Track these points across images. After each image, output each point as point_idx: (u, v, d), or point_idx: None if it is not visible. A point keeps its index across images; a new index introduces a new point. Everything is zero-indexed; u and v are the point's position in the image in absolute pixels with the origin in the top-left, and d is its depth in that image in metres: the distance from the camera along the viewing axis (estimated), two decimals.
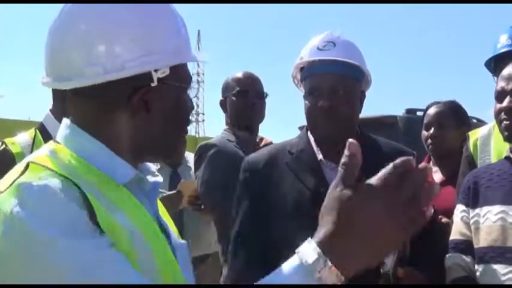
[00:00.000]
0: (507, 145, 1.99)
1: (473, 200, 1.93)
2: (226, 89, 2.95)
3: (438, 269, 1.93)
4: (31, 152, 2.57)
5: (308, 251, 0.88)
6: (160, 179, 1.21)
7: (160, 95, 1.08)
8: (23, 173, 0.99)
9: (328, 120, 1.88)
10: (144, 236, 1.02)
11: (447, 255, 1.95)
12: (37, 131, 2.74)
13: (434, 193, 0.85)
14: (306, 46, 1.98)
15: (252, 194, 1.96)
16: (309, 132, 2.01)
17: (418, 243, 1.88)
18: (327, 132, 1.92)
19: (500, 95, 1.92)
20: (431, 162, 2.90)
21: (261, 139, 2.95)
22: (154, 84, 1.06)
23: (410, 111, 5.31)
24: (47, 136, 2.60)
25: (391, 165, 0.88)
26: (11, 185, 0.97)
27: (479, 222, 1.88)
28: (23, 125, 4.20)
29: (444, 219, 2.42)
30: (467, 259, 1.90)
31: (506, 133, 1.91)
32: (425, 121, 2.88)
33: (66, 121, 1.11)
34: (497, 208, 1.85)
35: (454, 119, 2.83)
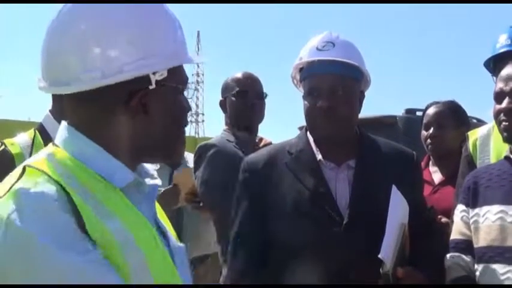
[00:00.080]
0: (506, 145, 1.99)
1: (473, 200, 1.93)
2: (225, 89, 2.95)
3: (438, 269, 1.93)
4: (30, 152, 2.57)
5: None
6: (158, 181, 1.21)
7: (158, 97, 1.08)
8: (20, 177, 0.99)
9: (328, 121, 1.89)
10: (137, 242, 1.02)
11: (447, 255, 1.95)
12: (36, 131, 2.73)
13: None
14: (305, 46, 1.99)
15: (252, 194, 1.96)
16: (308, 133, 2.01)
17: (418, 243, 1.89)
18: (326, 132, 1.92)
19: (498, 96, 1.92)
20: (430, 162, 2.90)
21: (261, 139, 2.95)
22: (152, 87, 1.06)
23: (410, 111, 5.31)
24: (46, 137, 2.60)
25: None
26: (9, 189, 0.98)
27: (479, 222, 1.88)
28: (23, 126, 4.20)
29: (443, 219, 2.43)
30: (467, 259, 1.90)
31: (505, 134, 1.91)
32: (424, 121, 2.88)
33: (64, 124, 1.11)
34: (496, 208, 1.85)
35: (454, 119, 2.83)
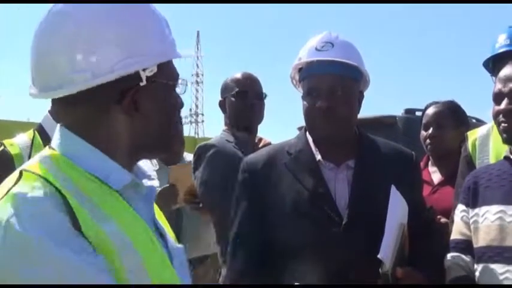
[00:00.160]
0: (506, 145, 1.99)
1: (473, 200, 1.93)
2: (225, 89, 2.95)
3: (437, 269, 1.93)
4: (30, 153, 2.58)
5: None
6: (156, 183, 1.21)
7: (150, 94, 1.09)
8: (17, 181, 1.00)
9: (327, 121, 1.89)
10: (134, 244, 1.02)
11: (447, 255, 1.95)
12: (36, 132, 2.74)
13: None
14: (304, 47, 1.99)
15: (251, 195, 1.96)
16: (307, 133, 2.01)
17: (417, 243, 1.89)
18: (325, 132, 1.92)
19: (497, 97, 1.92)
20: (429, 162, 2.90)
21: (260, 140, 2.95)
22: (143, 83, 1.06)
23: (410, 111, 5.30)
24: (45, 137, 2.60)
25: None
26: (6, 193, 0.98)
27: (478, 222, 1.88)
28: (22, 126, 4.20)
29: (443, 219, 2.42)
30: (467, 259, 1.90)
31: (504, 135, 1.91)
32: (423, 121, 2.88)
33: (58, 126, 1.12)
34: (495, 208, 1.85)
35: (453, 119, 2.83)
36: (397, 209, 1.80)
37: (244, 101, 2.85)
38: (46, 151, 1.09)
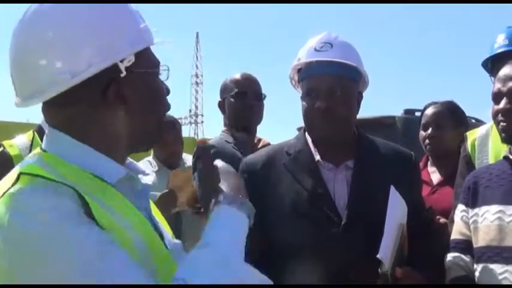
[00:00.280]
0: (505, 145, 1.99)
1: (473, 200, 1.94)
2: (224, 90, 2.95)
3: (436, 269, 1.93)
4: (29, 154, 2.58)
5: None
6: (151, 178, 1.22)
7: (132, 84, 1.09)
8: (14, 184, 0.99)
9: (326, 121, 1.89)
10: (141, 237, 1.03)
11: (447, 255, 1.96)
12: (35, 133, 2.74)
13: None
14: (303, 47, 1.99)
15: (250, 195, 1.95)
16: (306, 133, 2.02)
17: (417, 243, 1.89)
18: (324, 133, 1.92)
19: (496, 97, 1.92)
20: (429, 163, 2.90)
21: (259, 140, 2.95)
22: (123, 74, 1.07)
23: (409, 112, 5.30)
24: None
25: None
26: (2, 195, 0.98)
27: (478, 222, 1.88)
28: (22, 127, 4.20)
29: (442, 220, 2.42)
30: (467, 259, 1.91)
31: (503, 135, 1.91)
32: (423, 121, 2.88)
33: (48, 129, 1.12)
34: (495, 208, 1.85)
35: (452, 119, 2.83)
36: (396, 209, 1.80)
37: (243, 102, 2.85)
38: (39, 153, 1.10)
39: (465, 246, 1.92)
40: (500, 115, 1.90)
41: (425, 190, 2.57)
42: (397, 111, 5.44)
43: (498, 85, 1.92)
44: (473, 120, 4.90)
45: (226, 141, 2.84)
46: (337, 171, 1.94)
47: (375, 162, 1.96)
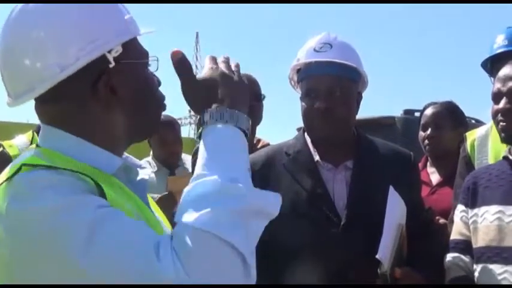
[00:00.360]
0: (505, 145, 1.99)
1: (472, 200, 1.94)
2: None
3: (436, 270, 1.93)
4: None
5: None
6: (148, 171, 1.22)
7: (123, 75, 1.09)
8: (14, 174, 0.99)
9: (325, 122, 1.89)
10: (145, 221, 1.03)
11: (447, 255, 1.96)
12: (35, 133, 2.74)
13: None
14: (302, 48, 1.99)
15: None
16: (305, 134, 2.02)
17: (416, 244, 1.89)
18: (323, 133, 1.92)
19: (496, 96, 1.93)
20: (428, 163, 2.90)
21: (258, 141, 2.95)
22: (112, 64, 1.07)
23: (409, 112, 5.29)
24: None
25: None
26: (1, 183, 0.99)
27: (477, 222, 1.89)
28: (22, 128, 4.21)
29: (441, 220, 2.42)
30: (466, 259, 1.91)
31: (503, 134, 1.91)
32: (422, 122, 2.88)
33: (42, 126, 1.12)
34: (494, 208, 1.85)
35: (451, 119, 2.83)
36: (396, 210, 1.80)
37: None
38: (35, 149, 1.10)
39: (465, 246, 1.92)
40: (499, 115, 1.90)
41: (424, 190, 2.57)
42: (397, 112, 5.44)
43: (498, 85, 1.92)
44: (473, 121, 4.90)
45: None
46: (336, 171, 1.94)
47: (374, 162, 1.96)
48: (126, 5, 1.16)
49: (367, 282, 1.78)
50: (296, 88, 2.05)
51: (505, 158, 1.95)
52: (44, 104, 1.10)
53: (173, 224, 1.29)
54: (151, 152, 3.36)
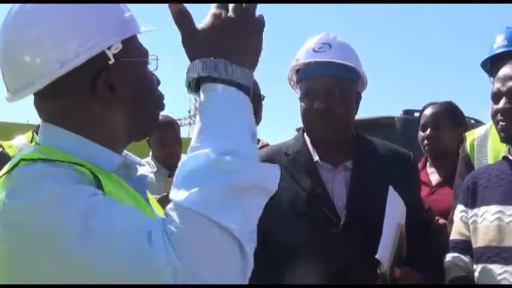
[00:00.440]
0: (504, 146, 1.99)
1: (472, 200, 1.94)
2: None
3: (435, 270, 1.93)
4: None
5: None
6: (147, 169, 1.22)
7: (122, 73, 1.09)
8: (13, 168, 0.99)
9: (324, 122, 1.89)
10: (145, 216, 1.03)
11: (446, 255, 1.96)
12: (34, 134, 2.74)
13: None
14: (301, 48, 1.99)
15: None
16: (305, 134, 2.02)
17: (416, 244, 1.89)
18: (323, 133, 1.92)
19: (496, 96, 1.93)
20: (428, 163, 2.89)
21: (258, 141, 2.94)
22: (111, 61, 1.07)
23: (408, 112, 5.29)
24: None
25: None
26: (8, 171, 0.99)
27: (477, 222, 1.88)
28: (21, 128, 4.21)
29: (441, 220, 2.42)
30: (466, 259, 1.91)
31: (502, 134, 1.91)
32: (421, 122, 2.88)
33: (41, 123, 1.12)
34: (494, 208, 1.85)
35: (450, 119, 2.82)
36: (395, 210, 1.80)
37: None
38: (34, 146, 1.10)
39: (464, 246, 1.92)
40: (499, 115, 1.90)
41: (424, 191, 2.57)
42: (396, 112, 5.43)
43: (497, 85, 1.92)
44: (473, 121, 4.90)
45: None
46: (335, 171, 1.94)
47: (373, 162, 1.96)
48: (126, 4, 1.16)
49: (366, 282, 1.78)
50: (295, 88, 2.05)
51: (505, 158, 1.95)
52: (43, 99, 1.09)
53: None
54: (150, 153, 3.36)
